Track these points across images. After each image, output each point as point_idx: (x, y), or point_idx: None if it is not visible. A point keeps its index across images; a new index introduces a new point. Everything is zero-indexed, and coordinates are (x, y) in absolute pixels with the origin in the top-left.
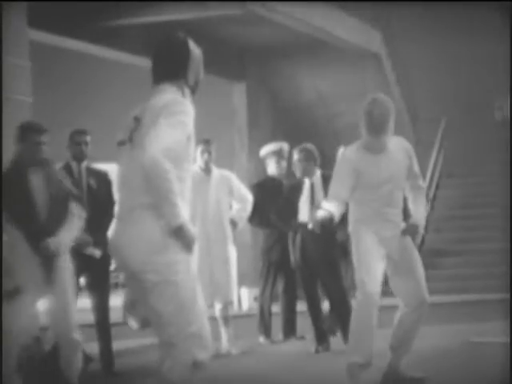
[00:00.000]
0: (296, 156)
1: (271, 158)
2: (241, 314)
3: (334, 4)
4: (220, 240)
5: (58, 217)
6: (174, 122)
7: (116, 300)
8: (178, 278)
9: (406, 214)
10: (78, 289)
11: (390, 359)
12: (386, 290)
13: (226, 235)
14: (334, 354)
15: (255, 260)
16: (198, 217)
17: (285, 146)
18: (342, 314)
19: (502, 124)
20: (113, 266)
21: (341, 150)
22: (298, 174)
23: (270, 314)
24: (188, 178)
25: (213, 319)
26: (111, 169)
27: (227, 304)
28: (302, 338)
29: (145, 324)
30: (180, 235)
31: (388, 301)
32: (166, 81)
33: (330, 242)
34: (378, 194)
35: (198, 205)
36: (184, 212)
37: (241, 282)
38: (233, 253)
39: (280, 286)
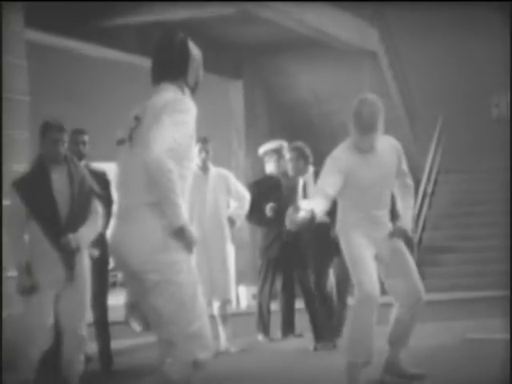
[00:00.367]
0: (288, 155)
1: (270, 157)
2: (239, 312)
3: (331, 2)
4: (218, 238)
5: (79, 214)
6: (177, 121)
7: (114, 299)
8: (178, 277)
9: (393, 214)
10: None
11: (389, 354)
12: (382, 288)
13: (224, 233)
14: (333, 352)
15: (253, 258)
16: (195, 215)
17: (284, 144)
18: (311, 312)
19: (499, 121)
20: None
21: None
22: (290, 172)
23: (269, 311)
24: (189, 175)
25: (211, 317)
26: (109, 168)
27: (225, 302)
28: (301, 335)
29: (147, 327)
30: (181, 236)
31: (385, 298)
32: (166, 80)
33: (316, 239)
34: (368, 196)
35: (196, 203)
36: (185, 212)
37: (239, 280)
38: (231, 251)
39: (279, 284)
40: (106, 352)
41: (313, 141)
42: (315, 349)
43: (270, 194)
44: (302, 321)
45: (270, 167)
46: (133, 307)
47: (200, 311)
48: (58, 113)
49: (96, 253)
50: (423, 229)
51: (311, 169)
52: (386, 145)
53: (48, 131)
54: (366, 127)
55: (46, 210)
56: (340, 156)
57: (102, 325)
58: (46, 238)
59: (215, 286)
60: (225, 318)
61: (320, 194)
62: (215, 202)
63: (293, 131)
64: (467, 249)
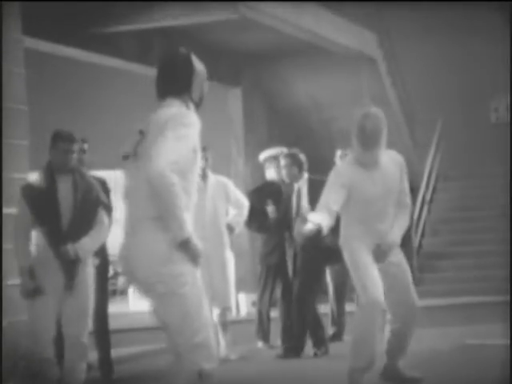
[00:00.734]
0: (282, 161)
1: (270, 163)
2: (239, 319)
3: (329, 8)
4: (217, 245)
5: (81, 223)
6: (180, 135)
7: (114, 307)
8: (183, 289)
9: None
10: None
11: (387, 362)
12: None
13: (223, 241)
14: (333, 358)
15: (253, 265)
16: (194, 223)
17: (285, 150)
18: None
19: (498, 126)
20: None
21: (338, 153)
22: (285, 179)
23: (269, 319)
24: (193, 189)
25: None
26: (108, 176)
27: (225, 309)
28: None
29: None
30: (186, 248)
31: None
32: (170, 95)
33: (304, 248)
34: (372, 210)
35: (195, 211)
36: (190, 225)
37: (239, 288)
38: (230, 258)
39: (278, 291)
40: (106, 360)
41: (312, 147)
42: (315, 355)
43: (271, 200)
44: None
45: (271, 173)
46: None
47: (205, 322)
48: (57, 120)
49: (96, 261)
50: (422, 235)
51: (306, 175)
52: (390, 159)
53: (58, 141)
54: (369, 142)
55: (49, 218)
56: (343, 171)
57: (103, 333)
58: (47, 246)
59: (215, 293)
60: (225, 325)
61: (324, 211)
62: (214, 209)
63: (292, 137)
64: (466, 254)
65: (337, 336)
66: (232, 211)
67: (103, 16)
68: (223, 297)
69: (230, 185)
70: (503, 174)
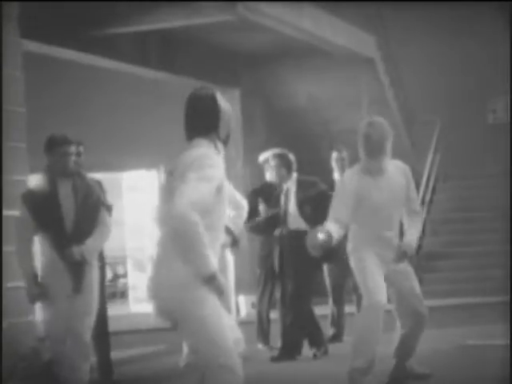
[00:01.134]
0: (271, 162)
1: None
2: (239, 320)
3: (328, 9)
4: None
5: (84, 225)
6: (203, 176)
7: (114, 309)
8: (204, 313)
9: (402, 235)
10: None
11: (395, 364)
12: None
13: (222, 243)
14: (333, 359)
15: (252, 267)
16: None
17: (285, 152)
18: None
19: (496, 126)
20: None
21: (334, 155)
22: (274, 179)
23: (269, 320)
24: (219, 226)
25: None
26: (105, 178)
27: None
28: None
29: None
30: (211, 284)
31: (390, 306)
32: (198, 136)
33: (296, 250)
34: (378, 217)
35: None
36: (214, 261)
37: (238, 289)
38: (230, 260)
39: (278, 293)
40: (106, 362)
41: (311, 148)
42: (315, 356)
43: (269, 201)
44: None
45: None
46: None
47: (228, 346)
48: (55, 123)
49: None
50: (422, 235)
51: (295, 176)
52: (395, 168)
53: (54, 146)
54: (374, 150)
55: (52, 222)
56: (349, 181)
57: (102, 335)
58: (53, 250)
59: None
60: None
61: (336, 221)
62: None
63: (290, 139)
64: (466, 255)
65: (336, 337)
66: (231, 213)
67: (101, 18)
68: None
69: (229, 186)
70: (502, 175)
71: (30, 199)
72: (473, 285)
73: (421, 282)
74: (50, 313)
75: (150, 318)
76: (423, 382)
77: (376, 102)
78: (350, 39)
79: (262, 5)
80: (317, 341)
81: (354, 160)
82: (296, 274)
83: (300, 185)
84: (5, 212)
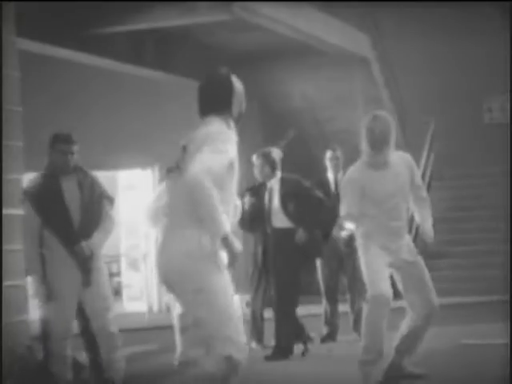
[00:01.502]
0: (255, 161)
1: None
2: None
3: (322, 8)
4: None
5: (91, 220)
6: (216, 149)
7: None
8: (217, 285)
9: (410, 225)
10: None
11: (393, 358)
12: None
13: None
14: (326, 358)
15: (246, 265)
16: None
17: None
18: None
19: (491, 126)
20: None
21: (328, 155)
22: (258, 178)
23: (262, 319)
24: (231, 201)
25: None
26: (100, 176)
27: None
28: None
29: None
30: (226, 244)
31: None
32: (211, 114)
33: (279, 246)
34: (384, 209)
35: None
36: (228, 225)
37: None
38: (223, 259)
39: (272, 291)
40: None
41: (306, 147)
42: (303, 354)
43: (261, 200)
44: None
45: None
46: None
47: (234, 317)
48: (50, 121)
49: None
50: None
51: (279, 174)
52: (399, 159)
53: (57, 144)
54: (378, 143)
55: (59, 219)
56: (354, 177)
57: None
58: (61, 246)
59: None
60: None
61: (349, 218)
62: None
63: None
64: (461, 254)
65: (330, 336)
66: None
67: (97, 17)
68: None
69: None
70: (499, 174)
71: (34, 196)
72: (471, 284)
73: None
74: (54, 311)
75: (144, 317)
76: (421, 381)
77: (371, 102)
78: (344, 39)
79: (257, 5)
80: (302, 338)
81: (348, 159)
82: (279, 272)
83: (283, 183)
84: (4, 210)
